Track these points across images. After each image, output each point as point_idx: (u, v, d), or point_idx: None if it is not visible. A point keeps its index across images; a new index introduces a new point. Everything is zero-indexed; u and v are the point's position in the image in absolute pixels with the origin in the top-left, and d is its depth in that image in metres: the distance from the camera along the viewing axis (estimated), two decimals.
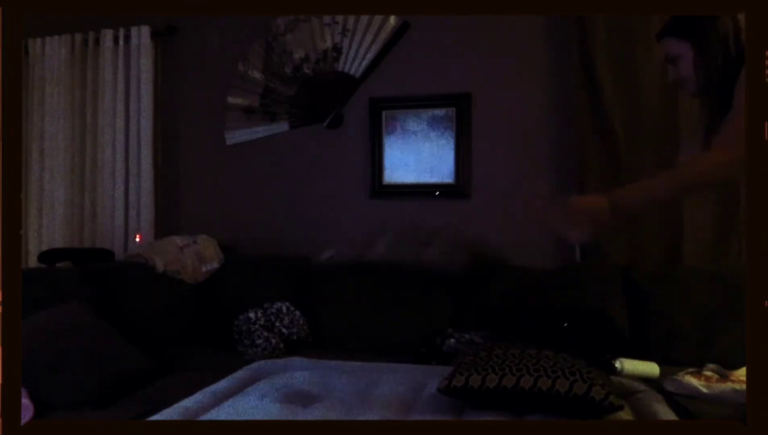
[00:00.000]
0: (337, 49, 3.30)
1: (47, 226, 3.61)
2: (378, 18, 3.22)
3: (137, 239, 3.45)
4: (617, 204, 1.49)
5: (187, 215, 3.56)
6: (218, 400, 1.79)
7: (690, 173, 1.51)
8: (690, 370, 2.05)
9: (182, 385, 2.00)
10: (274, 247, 3.28)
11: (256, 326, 2.69)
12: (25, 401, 1.87)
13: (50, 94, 3.61)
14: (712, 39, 1.63)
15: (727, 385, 1.91)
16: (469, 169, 3.14)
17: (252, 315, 2.73)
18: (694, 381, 1.96)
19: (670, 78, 1.73)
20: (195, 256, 3.15)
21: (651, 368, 2.13)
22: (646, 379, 2.06)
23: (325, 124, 3.33)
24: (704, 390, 1.92)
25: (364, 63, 3.26)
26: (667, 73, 1.73)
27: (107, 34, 3.53)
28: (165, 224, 3.53)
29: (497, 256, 2.87)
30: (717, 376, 1.99)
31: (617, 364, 2.11)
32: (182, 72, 3.57)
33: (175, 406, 1.70)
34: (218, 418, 1.61)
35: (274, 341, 2.65)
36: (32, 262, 3.42)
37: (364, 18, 3.23)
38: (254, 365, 2.20)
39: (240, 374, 2.07)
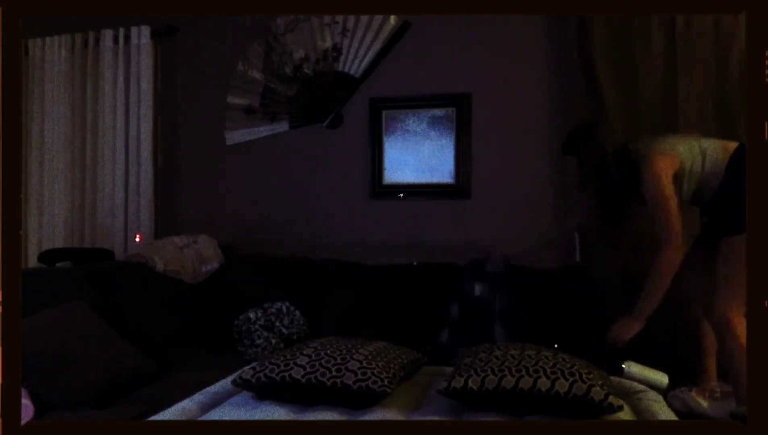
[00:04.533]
0: (337, 49, 3.29)
1: (47, 226, 3.61)
2: (378, 18, 3.22)
3: (137, 239, 3.45)
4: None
5: (187, 215, 3.56)
6: (218, 400, 1.79)
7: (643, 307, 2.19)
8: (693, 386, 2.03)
9: (182, 385, 1.99)
10: (274, 247, 3.28)
11: (256, 326, 2.69)
12: (25, 401, 1.86)
13: (50, 94, 3.60)
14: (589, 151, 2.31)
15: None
16: (469, 169, 3.14)
17: (252, 315, 2.73)
18: (700, 400, 1.95)
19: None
20: (195, 256, 3.15)
21: (660, 377, 2.11)
22: (652, 387, 2.04)
23: (325, 124, 3.33)
24: (710, 410, 1.91)
25: (364, 63, 3.26)
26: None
27: (107, 34, 3.53)
28: (165, 224, 3.53)
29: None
30: (721, 389, 1.97)
31: (624, 366, 2.10)
32: (182, 72, 3.56)
33: (175, 406, 1.70)
34: (218, 419, 1.61)
35: (274, 341, 2.65)
36: (32, 262, 3.41)
37: (364, 18, 3.23)
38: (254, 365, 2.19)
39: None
